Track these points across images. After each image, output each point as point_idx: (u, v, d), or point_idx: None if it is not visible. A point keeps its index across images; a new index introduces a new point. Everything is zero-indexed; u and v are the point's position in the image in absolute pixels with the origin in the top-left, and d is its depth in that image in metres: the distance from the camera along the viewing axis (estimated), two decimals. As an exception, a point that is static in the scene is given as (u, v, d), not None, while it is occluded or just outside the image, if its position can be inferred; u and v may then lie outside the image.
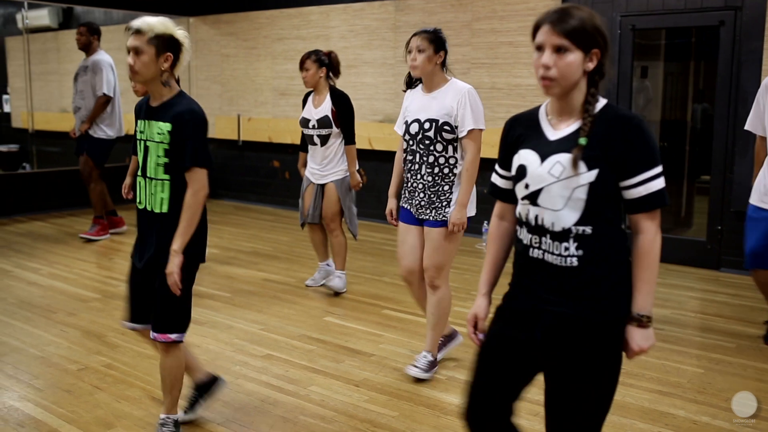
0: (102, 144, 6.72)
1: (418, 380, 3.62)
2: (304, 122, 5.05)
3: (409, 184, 3.67)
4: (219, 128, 9.27)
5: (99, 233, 6.83)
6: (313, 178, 5.11)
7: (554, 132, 1.93)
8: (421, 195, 3.60)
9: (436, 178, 3.55)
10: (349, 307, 4.85)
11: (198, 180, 2.80)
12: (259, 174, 8.99)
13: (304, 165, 5.27)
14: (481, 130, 3.50)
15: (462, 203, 3.51)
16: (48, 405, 3.33)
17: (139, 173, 2.88)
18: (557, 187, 1.86)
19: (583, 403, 1.95)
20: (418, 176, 3.60)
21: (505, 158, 2.05)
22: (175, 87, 2.87)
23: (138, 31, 2.75)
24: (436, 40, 3.51)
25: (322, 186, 5.07)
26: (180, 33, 2.83)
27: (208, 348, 4.08)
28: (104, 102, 6.69)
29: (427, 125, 3.53)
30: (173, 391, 3.01)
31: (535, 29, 1.91)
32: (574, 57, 1.84)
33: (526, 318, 1.96)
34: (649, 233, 1.88)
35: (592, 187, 1.83)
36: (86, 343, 4.10)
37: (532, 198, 1.92)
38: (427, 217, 3.60)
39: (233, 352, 4.03)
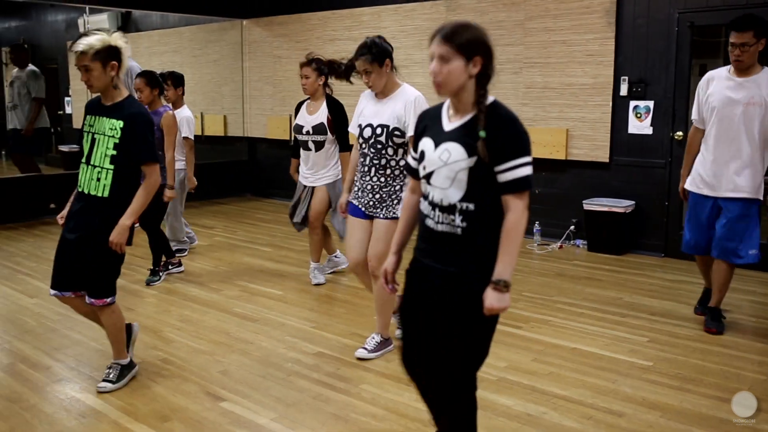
0: None
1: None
2: (298, 129, 5.19)
3: (360, 184, 3.84)
4: (271, 128, 9.39)
5: None
6: (305, 182, 5.25)
7: (449, 124, 2.30)
8: (370, 195, 3.80)
9: (388, 179, 3.76)
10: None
11: (153, 172, 3.30)
12: (311, 174, 9.05)
13: (297, 170, 5.43)
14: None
15: None
16: (107, 397, 3.42)
17: (83, 161, 3.30)
18: (445, 170, 2.25)
19: (457, 348, 2.31)
20: (368, 177, 3.80)
21: (416, 144, 2.42)
22: (125, 90, 3.31)
23: (82, 53, 3.14)
24: (377, 55, 3.66)
25: (314, 188, 5.21)
26: (116, 38, 3.20)
27: (260, 345, 4.13)
28: None
29: (379, 130, 3.72)
30: (116, 343, 3.52)
31: (430, 41, 2.25)
32: (456, 64, 2.19)
33: (423, 274, 2.37)
34: (516, 212, 2.20)
35: (472, 171, 2.21)
36: (143, 338, 4.19)
37: (428, 178, 2.32)
38: (378, 214, 3.81)
39: (285, 349, 4.07)
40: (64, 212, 3.44)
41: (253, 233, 7.38)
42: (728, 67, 4.24)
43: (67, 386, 3.56)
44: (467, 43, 2.19)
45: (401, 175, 3.76)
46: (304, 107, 5.25)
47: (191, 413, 3.26)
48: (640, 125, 6.39)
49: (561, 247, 6.70)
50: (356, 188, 3.91)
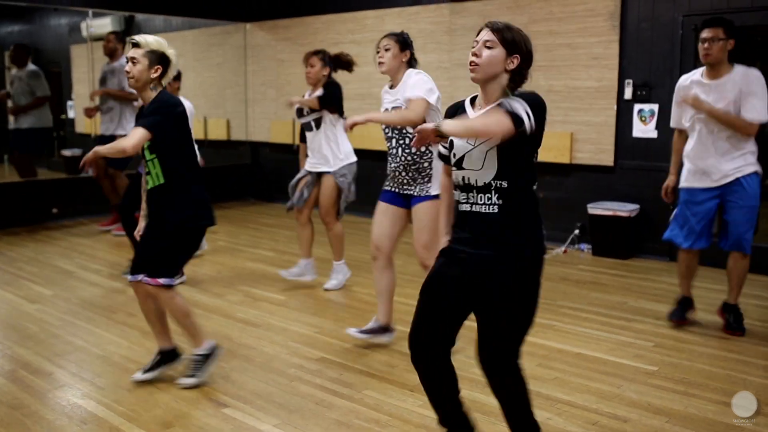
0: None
1: (472, 386, 3.62)
2: (299, 113, 5.24)
3: (392, 168, 3.97)
4: (274, 132, 9.38)
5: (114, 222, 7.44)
6: (310, 168, 5.28)
7: (473, 113, 2.50)
8: (404, 174, 3.91)
9: (415, 156, 3.86)
10: (403, 311, 4.82)
11: (132, 136, 3.36)
12: (314, 178, 9.03)
13: (306, 156, 5.42)
14: (420, 99, 3.75)
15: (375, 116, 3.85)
16: (109, 403, 3.40)
17: (145, 160, 3.52)
18: (475, 152, 2.41)
19: (504, 326, 2.45)
20: (398, 159, 3.90)
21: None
22: (156, 92, 3.52)
23: (137, 45, 3.45)
24: (402, 41, 3.94)
25: (319, 175, 5.22)
26: (170, 51, 3.50)
27: (263, 350, 4.11)
28: (128, 97, 6.95)
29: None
30: (186, 330, 3.62)
31: (479, 31, 2.47)
32: (498, 52, 2.41)
33: (458, 259, 2.49)
34: (491, 113, 2.34)
35: (500, 148, 2.37)
36: (146, 344, 4.18)
37: (459, 163, 2.47)
38: (412, 192, 3.91)
39: (288, 354, 4.05)
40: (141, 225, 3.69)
41: (256, 238, 7.37)
42: (701, 69, 4.36)
43: (69, 392, 3.55)
44: (512, 40, 2.42)
45: (427, 151, 3.85)
46: (306, 95, 5.32)
47: (193, 419, 3.24)
48: (644, 129, 6.36)
49: (565, 251, 6.67)
50: (389, 176, 4.03)
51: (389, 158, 3.98)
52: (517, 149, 2.38)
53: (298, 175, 5.40)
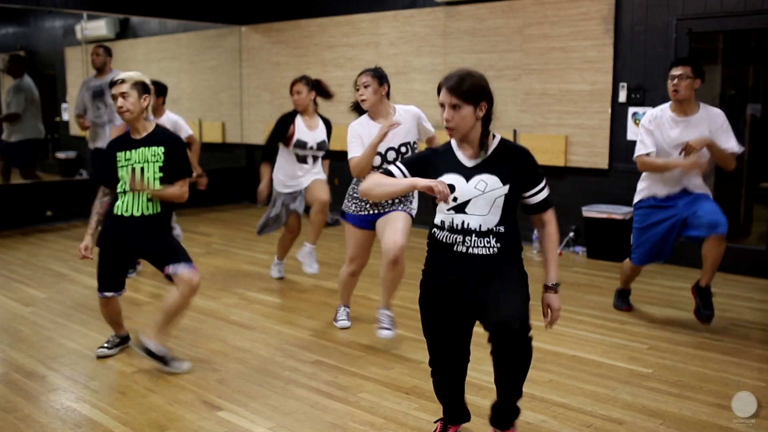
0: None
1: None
2: (301, 144, 5.26)
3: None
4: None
5: None
6: (295, 188, 5.38)
7: (469, 161, 2.65)
8: (390, 201, 4.12)
9: None
10: (399, 314, 4.82)
11: (184, 185, 3.83)
12: (309, 180, 9.02)
13: (269, 181, 5.46)
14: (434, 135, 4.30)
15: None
16: (103, 406, 3.39)
17: (126, 190, 3.76)
18: (482, 198, 2.57)
19: (513, 295, 2.60)
20: None
21: (415, 167, 2.69)
22: (152, 121, 3.84)
23: (122, 81, 3.69)
24: (379, 76, 4.09)
25: (304, 189, 5.37)
26: (148, 80, 3.79)
27: (258, 353, 4.11)
28: None
29: (403, 149, 4.10)
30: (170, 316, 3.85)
31: (438, 90, 2.60)
32: (467, 111, 2.55)
33: (449, 279, 2.64)
34: (551, 224, 2.75)
35: (507, 197, 2.59)
36: (140, 346, 4.17)
37: (461, 207, 2.60)
38: (396, 209, 4.14)
39: (283, 357, 4.05)
40: (88, 243, 3.85)
41: (251, 241, 7.35)
42: (669, 105, 4.55)
43: (63, 396, 3.53)
44: (472, 90, 2.54)
45: None
46: (301, 122, 5.27)
47: (188, 422, 3.23)
48: (639, 132, 6.37)
49: (560, 254, 6.68)
50: (364, 202, 4.18)
51: None
52: (519, 197, 2.66)
53: (277, 205, 5.44)
